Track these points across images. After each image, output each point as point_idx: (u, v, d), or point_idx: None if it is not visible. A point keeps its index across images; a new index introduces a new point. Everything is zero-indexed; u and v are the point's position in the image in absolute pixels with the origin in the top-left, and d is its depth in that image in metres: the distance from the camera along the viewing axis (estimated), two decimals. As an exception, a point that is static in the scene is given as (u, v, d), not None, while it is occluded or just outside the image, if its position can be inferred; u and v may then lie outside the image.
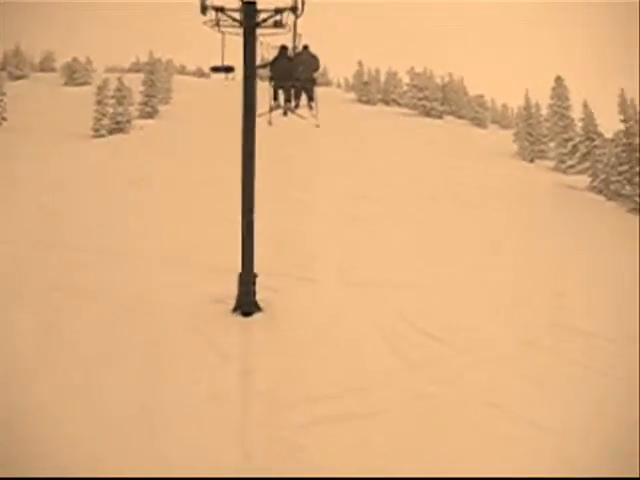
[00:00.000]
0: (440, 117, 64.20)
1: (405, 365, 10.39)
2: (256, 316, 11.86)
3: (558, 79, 49.89)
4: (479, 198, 27.13)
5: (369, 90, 71.14)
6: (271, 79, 13.83)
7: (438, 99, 65.41)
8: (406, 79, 69.04)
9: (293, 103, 14.04)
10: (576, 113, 45.28)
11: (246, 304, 11.83)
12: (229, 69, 12.20)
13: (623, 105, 35.09)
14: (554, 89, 49.90)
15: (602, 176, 35.45)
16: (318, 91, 14.44)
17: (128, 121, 42.76)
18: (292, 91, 13.97)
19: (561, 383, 10.53)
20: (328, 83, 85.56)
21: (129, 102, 44.25)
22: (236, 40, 11.91)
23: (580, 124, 42.18)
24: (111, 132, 41.23)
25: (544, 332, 12.93)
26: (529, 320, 13.48)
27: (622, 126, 35.20)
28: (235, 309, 11.91)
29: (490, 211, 24.96)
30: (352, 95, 73.95)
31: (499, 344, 11.84)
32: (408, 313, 12.74)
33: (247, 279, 11.84)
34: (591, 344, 12.56)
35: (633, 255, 23.11)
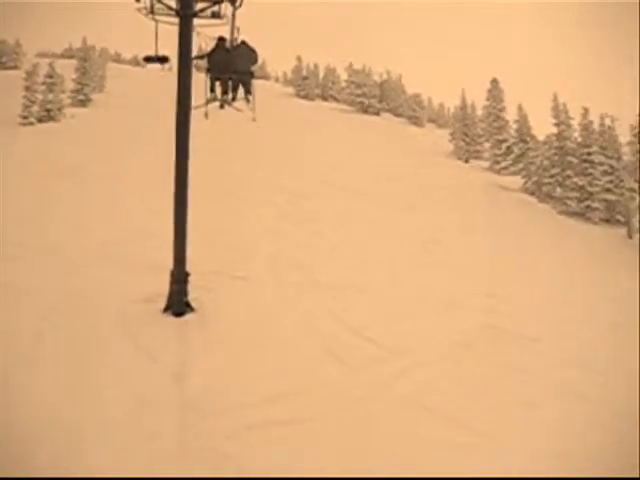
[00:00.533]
0: (377, 114, 64.61)
1: (341, 368, 10.27)
2: (188, 316, 11.52)
3: (494, 81, 50.89)
4: (415, 197, 27.38)
5: (307, 85, 70.98)
6: (208, 71, 13.50)
7: (376, 96, 65.83)
8: (344, 75, 69.26)
9: (230, 96, 13.73)
10: (511, 115, 46.20)
11: (177, 304, 11.48)
12: (163, 59, 11.77)
13: (556, 109, 36.06)
14: (490, 91, 50.89)
15: (535, 178, 36.37)
16: (256, 84, 14.17)
17: (59, 109, 41.16)
18: (229, 84, 13.67)
19: (494, 387, 10.63)
20: (266, 76, 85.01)
21: (60, 89, 42.62)
22: (173, 30, 11.49)
23: (515, 126, 43.10)
24: (40, 120, 39.60)
25: (478, 334, 13.06)
26: (463, 322, 13.61)
27: (555, 129, 36.23)
28: (166, 309, 11.54)
29: (426, 211, 25.19)
30: (290, 90, 73.63)
31: (434, 347, 11.88)
32: (343, 314, 12.65)
33: (179, 277, 11.49)
34: (523, 347, 12.77)
35: (564, 257, 23.85)
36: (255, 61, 13.89)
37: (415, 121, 67.70)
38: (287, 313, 12.41)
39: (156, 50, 11.82)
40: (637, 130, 46.11)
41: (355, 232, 19.84)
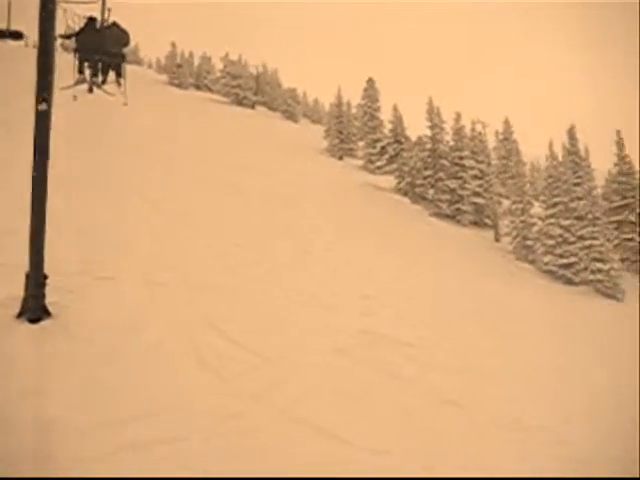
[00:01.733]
0: (252, 107, 64.02)
1: (214, 379, 9.61)
2: (45, 322, 10.41)
3: (370, 80, 51.76)
4: (291, 195, 27.05)
5: (181, 73, 69.15)
6: (76, 51, 12.44)
7: (251, 89, 65.23)
8: (220, 65, 68.11)
9: (100, 78, 12.74)
10: (386, 115, 47.17)
11: (33, 309, 10.31)
12: (16, 35, 10.61)
13: (430, 112, 37.10)
14: (366, 90, 51.72)
15: (408, 179, 37.24)
16: (127, 69, 13.23)
17: None
18: (99, 66, 12.68)
19: (372, 395, 10.40)
20: (139, 62, 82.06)
21: None
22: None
23: (390, 126, 43.99)
24: None
25: (354, 340, 12.85)
26: (339, 327, 13.35)
27: (429, 132, 37.30)
28: (20, 314, 10.38)
29: (302, 209, 24.93)
30: (163, 77, 71.44)
31: (310, 353, 11.49)
32: (216, 319, 11.97)
33: (36, 279, 10.35)
34: (399, 352, 12.69)
35: (438, 259, 24.44)
36: (127, 43, 12.98)
37: (290, 116, 67.80)
38: (156, 317, 11.55)
39: (8, 24, 10.66)
40: (502, 137, 48.71)
41: (229, 230, 19.15)
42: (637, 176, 35.64)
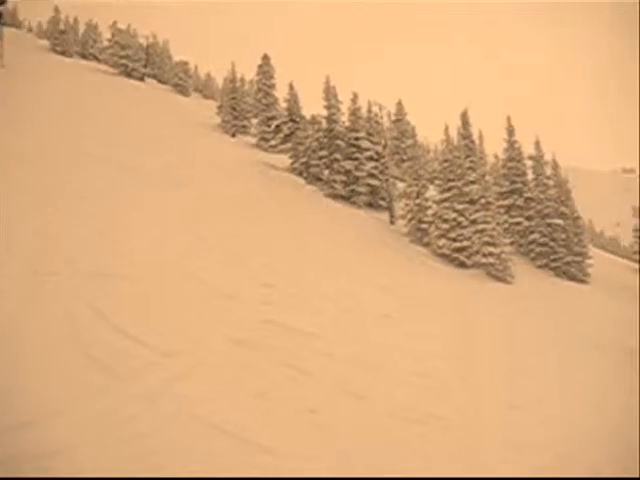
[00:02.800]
0: (142, 79, 61.67)
1: (108, 380, 8.95)
2: None
3: (265, 57, 50.97)
4: (184, 174, 26.10)
5: (65, 40, 65.48)
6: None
7: (141, 60, 62.73)
8: (107, 34, 65.02)
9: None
10: (282, 93, 46.51)
11: None
12: None
13: (327, 92, 36.89)
14: (260, 66, 50.91)
15: (303, 159, 36.97)
16: (6, 33, 12.07)
17: None
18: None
19: (275, 391, 10.05)
20: (18, 25, 77.04)
21: None
22: None
23: (285, 105, 43.43)
24: None
25: (255, 331, 12.44)
26: (240, 317, 12.91)
27: (325, 112, 37.10)
28: None
29: (196, 189, 24.09)
30: (45, 42, 67.43)
31: (210, 347, 10.98)
32: (106, 310, 11.19)
33: None
34: (303, 343, 12.42)
35: (335, 241, 24.34)
36: (2, 1, 11.84)
37: (181, 90, 65.93)
38: (42, 311, 10.67)
39: None
40: (395, 118, 49.34)
41: (119, 214, 18.10)
42: (525, 162, 37.11)
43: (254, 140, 48.38)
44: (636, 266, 47.40)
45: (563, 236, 34.22)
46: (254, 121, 51.18)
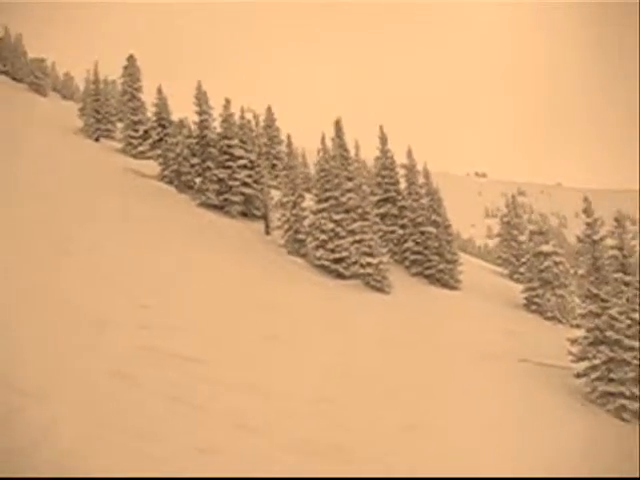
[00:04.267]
0: (-9, 76, 57.76)
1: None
2: None
3: (130, 58, 49.19)
4: (43, 182, 24.36)
5: None
6: None
7: (-8, 55, 58.74)
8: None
9: None
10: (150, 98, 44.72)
11: None
12: None
13: (199, 97, 35.91)
14: (126, 68, 49.00)
15: (174, 166, 35.76)
16: None
17: None
18: None
19: (161, 429, 9.27)
20: None
21: None
22: None
23: (153, 109, 41.83)
24: None
25: (133, 359, 11.53)
26: (115, 343, 11.94)
27: (196, 118, 36.08)
28: None
29: (57, 200, 22.51)
30: None
31: (80, 379, 9.99)
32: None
33: None
34: (187, 371, 11.67)
35: (212, 257, 23.54)
36: None
37: (37, 89, 62.23)
38: None
39: None
40: (265, 124, 48.96)
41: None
42: (398, 170, 37.78)
43: (120, 145, 46.37)
44: (497, 269, 49.68)
45: (436, 244, 35.12)
46: (119, 125, 49.10)
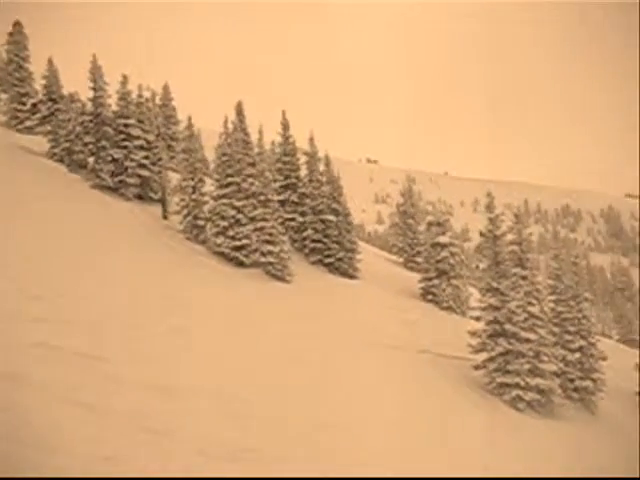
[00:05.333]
0: None
1: None
2: None
3: (17, 24, 46.16)
4: None
5: None
6: None
7: None
8: None
9: None
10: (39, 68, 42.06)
11: None
12: None
13: (94, 72, 34.10)
14: (11, 34, 46.00)
15: (65, 144, 33.87)
16: None
17: None
18: None
19: (58, 435, 8.58)
20: None
21: None
22: None
23: (43, 82, 39.39)
24: None
25: (28, 356, 10.68)
26: (5, 341, 11.03)
27: (91, 94, 34.27)
28: None
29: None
30: None
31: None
32: None
33: None
34: (86, 369, 10.95)
35: (108, 241, 22.48)
36: None
37: None
38: None
39: None
40: (162, 102, 47.38)
41: None
42: (299, 156, 37.50)
43: (4, 118, 43.48)
44: (392, 257, 50.48)
45: (335, 232, 35.15)
46: (4, 96, 46.02)
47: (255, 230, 28.79)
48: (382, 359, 21.36)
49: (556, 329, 24.34)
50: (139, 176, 33.31)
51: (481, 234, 23.22)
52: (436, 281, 34.83)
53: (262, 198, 29.52)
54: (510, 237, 23.05)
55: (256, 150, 32.08)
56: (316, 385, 15.81)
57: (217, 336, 16.71)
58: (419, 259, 44.18)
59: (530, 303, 22.50)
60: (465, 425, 18.36)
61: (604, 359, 26.10)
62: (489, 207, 23.24)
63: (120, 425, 9.51)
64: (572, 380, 24.56)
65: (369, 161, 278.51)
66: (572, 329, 25.16)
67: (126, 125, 33.89)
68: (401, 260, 48.09)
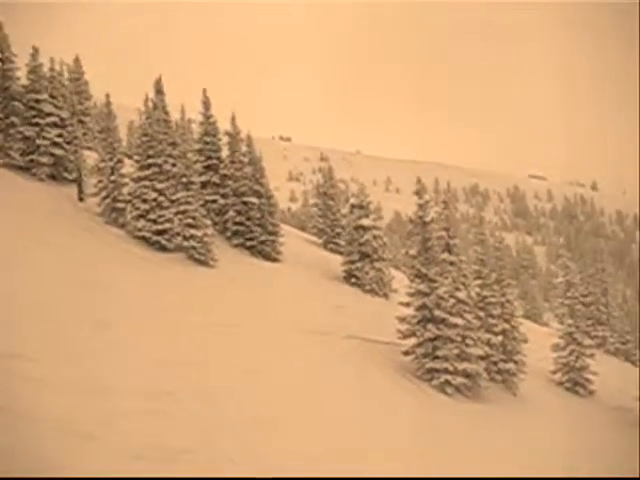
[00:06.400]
0: None
1: None
2: None
3: None
4: None
5: None
6: None
7: None
8: None
9: None
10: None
11: None
12: None
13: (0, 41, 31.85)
14: None
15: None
16: None
17: None
18: None
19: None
20: None
21: None
22: None
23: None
24: None
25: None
26: None
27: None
28: None
29: None
30: None
31: None
32: None
33: None
34: (14, 370, 10.20)
35: (19, 227, 21.24)
36: None
37: None
38: None
39: None
40: (72, 76, 45.10)
41: None
42: (221, 137, 36.44)
43: None
44: (311, 238, 50.16)
45: (258, 215, 34.47)
46: None
47: (177, 213, 27.85)
48: (311, 347, 21.16)
49: (481, 313, 24.69)
50: (52, 155, 31.59)
51: (410, 220, 23.23)
52: (359, 264, 34.73)
53: (184, 180, 28.57)
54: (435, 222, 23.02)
55: (180, 131, 30.91)
56: (246, 378, 15.52)
57: (142, 329, 16.17)
58: (339, 240, 44.17)
59: (457, 289, 22.71)
60: (397, 412, 18.40)
61: (525, 341, 26.77)
62: (419, 193, 23.21)
63: (43, 428, 8.86)
64: (495, 363, 25.08)
65: (282, 139, 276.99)
66: (496, 313, 25.64)
67: (37, 101, 32.00)
68: (320, 241, 47.87)
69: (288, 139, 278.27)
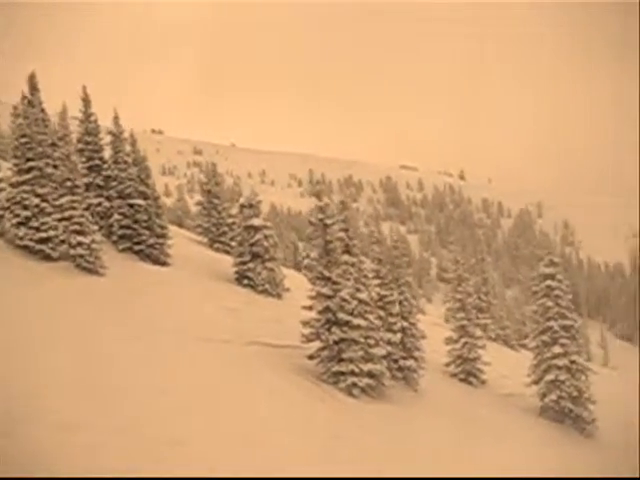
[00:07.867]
0: None
1: None
2: None
3: None
4: None
5: None
6: None
7: None
8: None
9: None
10: None
11: None
12: None
13: None
14: None
15: None
16: None
17: None
18: None
19: None
20: None
21: None
22: None
23: None
24: None
25: None
26: None
27: None
28: None
29: None
30: None
31: None
32: None
33: None
34: None
35: None
36: None
37: None
38: None
39: None
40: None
41: None
42: (102, 136, 34.44)
43: None
44: (197, 237, 48.83)
45: (145, 217, 32.96)
46: None
47: (62, 220, 26.07)
48: (211, 357, 20.56)
49: (382, 313, 24.80)
50: None
51: (310, 222, 22.86)
52: (251, 264, 34.07)
53: (69, 184, 26.71)
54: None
55: (61, 132, 28.79)
56: (151, 394, 14.75)
57: (31, 348, 14.94)
58: (225, 239, 43.37)
59: (359, 290, 22.65)
60: (309, 419, 18.21)
61: (424, 337, 27.14)
62: (318, 195, 22.88)
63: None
64: (396, 360, 25.31)
65: (154, 132, 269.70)
66: (395, 311, 25.82)
67: None
68: (206, 240, 46.64)
69: (160, 132, 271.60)
